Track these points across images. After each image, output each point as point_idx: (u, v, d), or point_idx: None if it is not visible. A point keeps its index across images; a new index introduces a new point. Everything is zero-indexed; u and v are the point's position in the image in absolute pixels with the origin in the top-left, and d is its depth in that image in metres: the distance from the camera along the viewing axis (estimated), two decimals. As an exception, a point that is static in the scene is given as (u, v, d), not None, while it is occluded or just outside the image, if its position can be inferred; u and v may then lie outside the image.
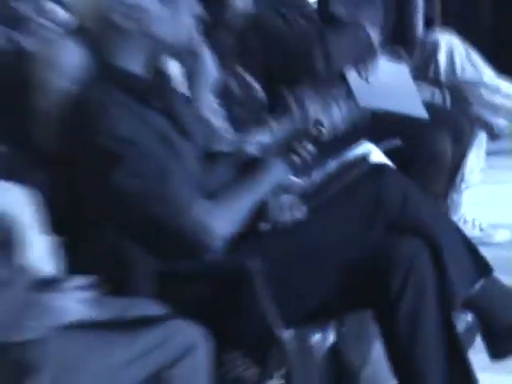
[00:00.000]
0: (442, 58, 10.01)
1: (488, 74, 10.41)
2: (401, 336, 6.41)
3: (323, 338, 6.99)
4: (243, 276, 6.23)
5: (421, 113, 9.18)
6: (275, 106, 8.46)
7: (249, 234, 6.46)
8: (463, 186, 9.39)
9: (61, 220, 6.46)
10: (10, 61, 7.98)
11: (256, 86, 8.36)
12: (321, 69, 8.67)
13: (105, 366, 5.45)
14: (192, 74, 7.78)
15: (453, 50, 10.19)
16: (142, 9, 6.56)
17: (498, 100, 10.19)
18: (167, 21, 6.62)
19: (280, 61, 8.62)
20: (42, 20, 8.35)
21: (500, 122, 10.26)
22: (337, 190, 7.03)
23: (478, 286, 6.96)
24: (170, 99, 6.74)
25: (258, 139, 7.51)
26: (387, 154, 8.15)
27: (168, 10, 6.88)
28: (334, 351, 7.08)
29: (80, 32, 7.48)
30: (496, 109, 10.47)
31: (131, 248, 6.34)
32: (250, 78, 8.30)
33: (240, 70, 8.27)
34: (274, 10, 9.14)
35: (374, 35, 10.00)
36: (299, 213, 6.67)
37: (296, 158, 6.86)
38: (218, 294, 6.26)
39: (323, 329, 6.91)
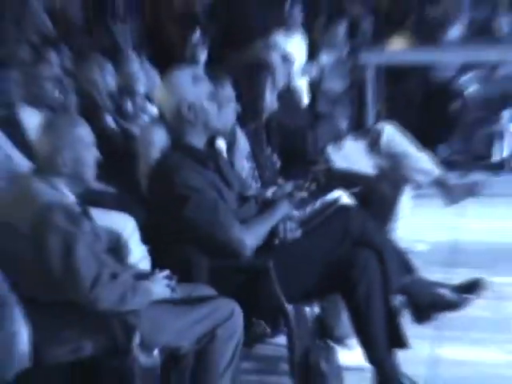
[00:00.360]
0: (384, 139, 11.48)
1: (412, 150, 11.48)
2: (359, 308, 7.87)
3: (311, 310, 8.62)
4: (263, 271, 7.74)
5: (370, 171, 10.45)
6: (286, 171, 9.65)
7: (267, 245, 7.99)
8: (398, 216, 10.47)
9: (150, 237, 8.11)
10: (120, 139, 9.99)
11: (275, 157, 9.65)
12: (310, 150, 10.09)
13: (179, 325, 7.07)
14: (230, 146, 9.07)
15: (391, 132, 11.68)
16: (200, 107, 8.16)
17: (418, 165, 11.63)
18: (216, 114, 8.21)
19: (287, 144, 9.78)
20: (139, 113, 10.57)
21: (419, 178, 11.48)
22: (320, 219, 8.55)
23: (407, 279, 8.41)
24: (219, 163, 8.37)
25: (272, 189, 8.97)
26: (352, 196, 9.23)
27: (215, 106, 8.66)
28: (318, 318, 8.62)
29: (162, 120, 9.08)
30: (425, 173, 11.91)
31: (194, 253, 7.76)
32: (270, 153, 9.62)
33: (265, 146, 9.60)
34: (285, 110, 10.26)
35: (344, 125, 11.98)
36: (297, 233, 8.14)
37: (295, 200, 8.53)
38: (247, 281, 7.88)
39: (311, 304, 8.57)
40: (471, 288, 8.74)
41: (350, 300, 8.00)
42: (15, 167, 8.44)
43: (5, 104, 11.58)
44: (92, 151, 7.16)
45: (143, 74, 10.95)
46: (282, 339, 8.17)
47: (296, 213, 8.40)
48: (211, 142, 8.41)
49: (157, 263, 7.86)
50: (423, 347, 8.85)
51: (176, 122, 8.18)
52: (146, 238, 8.13)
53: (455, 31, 15.15)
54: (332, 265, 8.02)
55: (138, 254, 7.99)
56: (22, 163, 8.38)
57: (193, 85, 8.25)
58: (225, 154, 8.93)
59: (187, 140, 8.13)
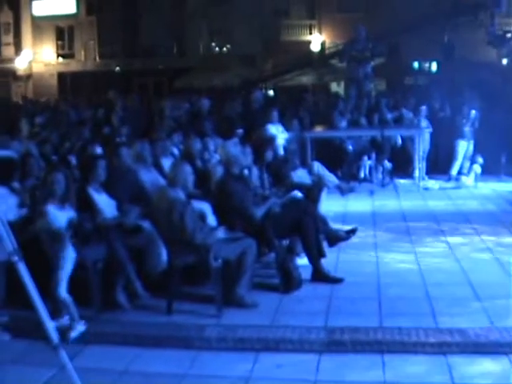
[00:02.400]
0: (315, 168, 11.59)
1: (326, 172, 12.07)
2: (306, 239, 8.12)
3: (285, 241, 8.47)
4: (264, 225, 8.08)
5: (308, 182, 10.42)
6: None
7: (266, 215, 8.17)
8: (321, 202, 9.81)
9: (217, 212, 8.16)
10: (202, 170, 9.68)
11: (270, 179, 9.36)
12: (285, 174, 10.05)
13: (230, 248, 7.32)
14: (249, 173, 9.03)
15: (318, 165, 11.84)
16: (238, 157, 8.48)
17: (329, 179, 11.80)
18: (243, 160, 8.59)
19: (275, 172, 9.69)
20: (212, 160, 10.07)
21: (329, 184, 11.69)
22: (288, 203, 8.58)
23: (325, 227, 8.76)
24: (245, 180, 8.63)
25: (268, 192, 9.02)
26: (301, 193, 9.15)
27: (243, 156, 8.88)
28: (289, 245, 8.48)
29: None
30: (332, 183, 12.35)
31: (234, 219, 8.04)
32: (267, 176, 9.35)
33: (265, 173, 9.32)
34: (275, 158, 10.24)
35: (297, 162, 11.95)
36: (278, 209, 8.33)
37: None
38: (257, 230, 7.98)
39: (286, 239, 8.47)
40: (352, 231, 9.39)
41: (302, 235, 8.23)
42: (160, 183, 8.63)
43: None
44: (191, 175, 7.77)
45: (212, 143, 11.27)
46: (272, 256, 8.28)
47: (277, 201, 8.60)
48: (241, 170, 8.62)
49: (220, 223, 8.00)
50: (332, 256, 8.79)
51: (228, 163, 8.60)
52: (215, 213, 8.17)
53: (343, 122, 15.39)
54: (294, 221, 8.24)
55: (212, 220, 7.99)
56: (162, 181, 8.62)
57: (235, 148, 8.91)
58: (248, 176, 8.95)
59: (232, 171, 8.46)
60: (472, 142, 14.95)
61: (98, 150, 9.69)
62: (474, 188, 14.40)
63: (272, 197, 8.59)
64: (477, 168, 14.51)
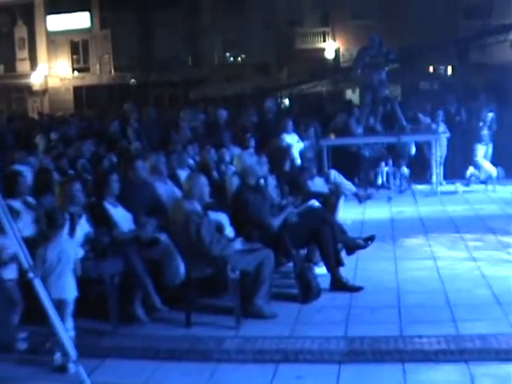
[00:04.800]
0: (332, 176, 11.43)
1: (343, 180, 11.89)
2: (323, 248, 8.12)
3: (303, 252, 8.54)
4: (281, 235, 8.02)
5: (325, 191, 10.46)
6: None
7: (283, 224, 8.14)
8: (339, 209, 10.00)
9: (234, 223, 8.10)
10: (218, 182, 9.78)
11: (287, 189, 9.45)
12: (302, 183, 10.09)
13: (247, 260, 7.31)
14: (265, 182, 9.00)
15: (335, 173, 11.70)
16: (254, 168, 8.50)
17: (346, 187, 11.82)
18: (259, 170, 8.56)
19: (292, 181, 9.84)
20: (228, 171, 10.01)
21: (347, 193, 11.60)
22: (305, 212, 8.60)
23: (343, 235, 8.69)
24: (261, 190, 8.59)
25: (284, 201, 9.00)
26: (319, 202, 9.30)
27: (259, 166, 8.84)
28: (307, 254, 8.57)
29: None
30: (349, 190, 12.34)
31: (251, 230, 8.00)
32: (282, 185, 9.38)
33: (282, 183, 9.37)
34: (292, 167, 10.58)
35: (314, 171, 11.85)
36: (295, 219, 8.30)
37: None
38: (275, 240, 7.94)
39: (303, 248, 8.52)
40: (370, 239, 9.30)
41: (320, 244, 8.21)
42: (176, 195, 8.58)
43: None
44: (207, 187, 7.75)
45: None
46: (290, 265, 8.24)
47: (294, 210, 8.57)
48: (257, 181, 8.60)
49: (237, 234, 7.99)
50: (350, 264, 8.77)
51: (244, 175, 8.61)
52: (232, 224, 8.12)
53: (359, 129, 15.33)
54: (311, 230, 8.22)
55: (229, 231, 7.94)
56: (178, 192, 8.58)
57: (250, 159, 8.89)
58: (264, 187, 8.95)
59: (248, 181, 8.47)
60: (491, 146, 14.83)
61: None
62: (492, 192, 14.31)
63: (289, 206, 8.58)
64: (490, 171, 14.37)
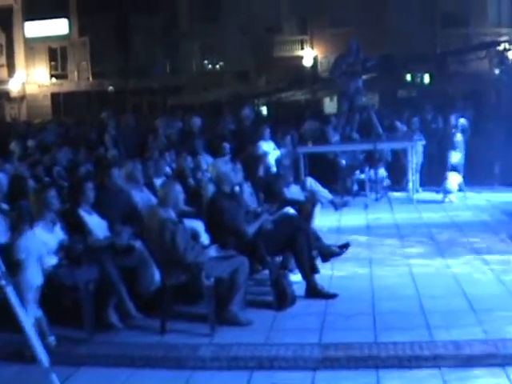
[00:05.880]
0: (308, 184, 11.62)
1: (319, 187, 12.18)
2: (298, 255, 8.10)
3: (278, 260, 8.43)
4: (256, 242, 8.02)
5: (302, 198, 10.59)
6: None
7: (258, 232, 8.13)
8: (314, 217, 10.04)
9: (209, 230, 8.13)
10: (194, 189, 9.75)
11: (262, 196, 9.54)
12: (277, 190, 10.26)
13: (223, 267, 7.24)
14: (240, 190, 9.07)
15: (311, 181, 12.08)
16: (228, 174, 8.52)
17: (322, 194, 12.06)
18: (234, 177, 8.52)
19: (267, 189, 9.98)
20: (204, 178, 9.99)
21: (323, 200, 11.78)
22: (280, 219, 8.66)
23: (318, 243, 8.82)
24: (236, 197, 8.61)
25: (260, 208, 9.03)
26: (294, 209, 9.40)
27: (234, 173, 8.76)
28: (282, 261, 8.49)
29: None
30: (325, 198, 12.43)
31: (226, 237, 7.98)
32: (257, 192, 9.49)
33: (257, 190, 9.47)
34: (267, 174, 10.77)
35: (290, 178, 11.87)
36: (270, 226, 8.34)
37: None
38: (249, 247, 7.93)
39: (279, 255, 8.42)
40: (345, 246, 9.35)
41: (295, 252, 8.20)
42: (152, 203, 8.49)
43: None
44: (181, 194, 7.71)
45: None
46: (265, 273, 8.29)
47: (269, 217, 8.61)
48: (232, 188, 8.59)
49: (213, 242, 8.02)
50: (326, 271, 8.84)
51: (218, 181, 8.64)
52: (207, 231, 8.16)
53: (336, 137, 15.37)
54: (286, 237, 8.22)
55: (205, 238, 7.99)
56: (154, 200, 8.45)
57: (225, 166, 8.89)
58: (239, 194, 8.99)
59: (223, 189, 8.44)
60: (463, 153, 14.87)
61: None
62: (465, 198, 14.45)
63: (264, 213, 8.57)
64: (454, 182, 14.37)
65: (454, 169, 14.50)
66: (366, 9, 34.76)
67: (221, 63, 41.25)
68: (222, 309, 7.21)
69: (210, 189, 8.73)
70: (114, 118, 15.21)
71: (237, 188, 8.73)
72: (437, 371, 5.98)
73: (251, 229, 8.10)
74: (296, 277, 8.25)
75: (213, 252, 7.62)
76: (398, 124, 16.03)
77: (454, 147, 14.50)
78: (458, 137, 14.49)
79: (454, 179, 14.27)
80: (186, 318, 7.47)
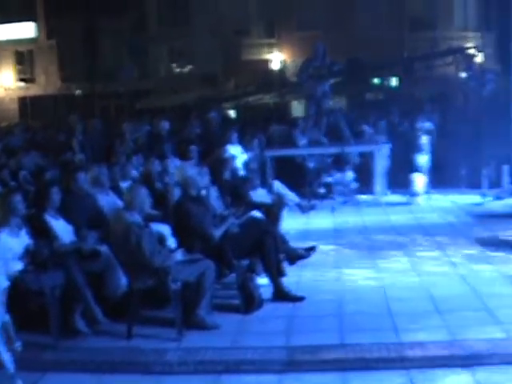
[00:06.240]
0: (275, 187, 11.86)
1: (286, 191, 12.38)
2: (266, 259, 8.12)
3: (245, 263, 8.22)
4: (222, 246, 8.03)
5: (268, 201, 10.58)
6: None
7: (224, 235, 8.12)
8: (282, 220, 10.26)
9: (176, 234, 8.10)
10: (161, 192, 9.69)
11: (229, 199, 9.61)
12: (244, 193, 10.36)
13: (189, 270, 7.23)
14: (207, 193, 9.01)
15: (278, 184, 12.14)
16: (195, 179, 8.53)
17: (289, 198, 12.14)
18: (200, 180, 8.54)
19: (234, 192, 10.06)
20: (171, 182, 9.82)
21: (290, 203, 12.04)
22: (247, 222, 8.63)
23: (285, 246, 8.97)
24: (203, 201, 8.56)
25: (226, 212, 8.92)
26: (261, 213, 9.39)
27: (200, 177, 9.17)
28: (249, 264, 8.23)
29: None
30: (292, 201, 12.51)
31: (193, 241, 7.99)
32: (224, 196, 9.52)
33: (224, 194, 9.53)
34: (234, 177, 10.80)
35: (258, 181, 11.85)
36: (236, 230, 8.35)
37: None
38: (216, 251, 7.94)
39: (245, 259, 8.22)
40: (312, 249, 9.37)
41: (262, 255, 8.22)
42: (118, 205, 8.45)
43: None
44: (148, 198, 7.70)
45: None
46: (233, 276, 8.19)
47: (235, 221, 8.59)
48: (198, 191, 8.56)
49: (179, 245, 7.99)
50: (293, 274, 8.85)
51: (185, 185, 8.64)
52: (174, 235, 8.14)
53: (303, 141, 15.41)
54: (253, 241, 8.26)
55: (171, 242, 7.95)
56: (120, 204, 8.36)
57: (191, 170, 8.88)
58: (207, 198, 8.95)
59: (190, 192, 8.43)
60: (429, 156, 14.94)
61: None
62: (431, 200, 14.55)
63: (230, 217, 8.55)
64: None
65: (420, 171, 14.57)
66: (334, 12, 34.88)
67: (189, 66, 41.14)
68: (189, 313, 7.19)
69: (177, 192, 8.69)
70: (82, 121, 15.08)
71: (203, 192, 8.70)
72: (404, 372, 6.01)
73: (218, 232, 8.09)
74: (263, 280, 8.26)
75: (179, 256, 7.56)
76: (366, 127, 16.05)
77: (420, 150, 14.53)
78: (424, 139, 14.48)
79: (420, 181, 14.33)
80: (153, 322, 7.44)
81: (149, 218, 7.72)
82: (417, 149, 14.65)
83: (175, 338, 7.01)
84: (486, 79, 16.21)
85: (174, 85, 37.93)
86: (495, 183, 14.56)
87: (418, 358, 6.21)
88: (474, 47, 19.63)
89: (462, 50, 19.05)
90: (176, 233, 8.07)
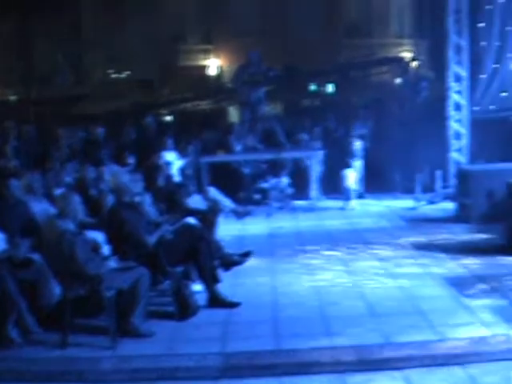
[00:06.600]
0: (211, 194, 11.87)
1: (221, 197, 12.40)
2: (201, 266, 8.11)
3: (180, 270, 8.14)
4: (156, 252, 7.97)
5: (204, 208, 10.57)
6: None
7: (158, 241, 8.09)
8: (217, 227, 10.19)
9: (111, 241, 7.96)
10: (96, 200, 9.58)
11: (164, 206, 9.58)
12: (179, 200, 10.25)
13: (123, 278, 7.21)
14: (142, 199, 8.76)
15: (213, 190, 12.21)
16: (128, 186, 8.48)
17: (227, 204, 12.16)
18: (134, 188, 8.46)
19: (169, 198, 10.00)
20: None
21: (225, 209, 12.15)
22: (181, 229, 8.57)
23: (219, 252, 8.94)
24: (137, 208, 8.46)
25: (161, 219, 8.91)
26: (195, 219, 9.29)
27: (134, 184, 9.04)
28: (184, 271, 8.14)
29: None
30: (227, 207, 12.55)
31: (127, 248, 7.93)
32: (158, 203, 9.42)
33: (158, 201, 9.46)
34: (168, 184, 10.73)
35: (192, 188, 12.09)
36: (170, 236, 8.33)
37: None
38: (150, 258, 7.88)
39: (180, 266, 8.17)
40: (246, 255, 9.40)
41: (197, 262, 8.21)
42: (50, 213, 8.26)
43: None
44: (81, 205, 7.64)
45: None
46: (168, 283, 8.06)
47: (170, 227, 8.57)
48: (132, 198, 8.46)
49: (114, 253, 7.91)
50: (228, 280, 8.81)
51: (118, 192, 8.58)
52: (108, 242, 8.04)
53: (239, 147, 15.43)
54: (188, 248, 8.24)
55: (106, 250, 7.85)
56: (53, 211, 8.13)
57: (125, 177, 8.83)
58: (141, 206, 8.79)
59: (122, 199, 8.38)
60: (363, 161, 15.06)
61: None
62: (365, 205, 14.66)
63: (164, 224, 8.52)
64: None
65: (354, 177, 14.69)
66: (270, 19, 34.99)
67: (126, 72, 40.86)
68: (123, 321, 7.14)
69: (110, 199, 8.59)
70: (16, 127, 14.89)
71: (137, 198, 8.58)
72: (338, 376, 6.07)
73: (152, 239, 8.05)
74: (198, 286, 8.26)
75: (113, 263, 7.54)
76: (301, 133, 16.11)
77: (353, 155, 14.67)
78: (357, 145, 14.62)
79: (351, 177, 14.55)
80: (87, 331, 7.35)
81: (83, 226, 7.60)
82: (350, 154, 14.64)
83: (109, 346, 6.95)
84: (420, 87, 16.45)
85: (111, 90, 37.62)
86: (429, 188, 14.67)
87: (352, 361, 6.27)
88: (410, 56, 19.92)
89: (398, 59, 19.33)
90: (110, 240, 7.98)
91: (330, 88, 33.71)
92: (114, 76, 41.02)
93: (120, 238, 7.95)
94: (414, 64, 22.97)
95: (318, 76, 28.39)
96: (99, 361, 6.63)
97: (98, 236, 8.04)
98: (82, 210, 7.38)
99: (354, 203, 14.47)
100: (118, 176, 8.63)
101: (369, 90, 26.50)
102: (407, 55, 20.09)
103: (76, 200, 7.32)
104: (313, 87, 33.21)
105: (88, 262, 7.01)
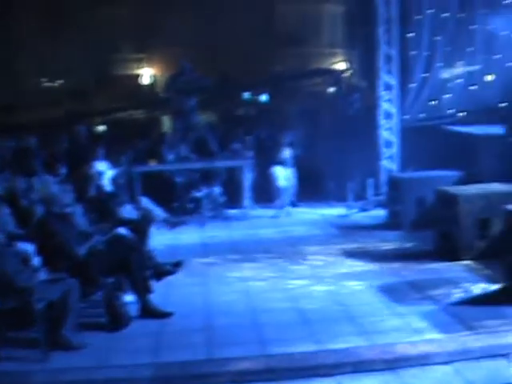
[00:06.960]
0: (143, 203, 11.78)
1: (151, 206, 12.49)
2: (134, 277, 8.01)
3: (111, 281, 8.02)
4: (87, 263, 7.90)
5: (136, 217, 10.44)
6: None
7: (90, 252, 8.01)
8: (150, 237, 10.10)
9: (41, 252, 7.86)
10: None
11: (95, 216, 9.26)
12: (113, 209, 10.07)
13: (53, 289, 7.10)
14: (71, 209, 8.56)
15: (146, 200, 12.11)
16: (57, 196, 8.51)
17: (158, 213, 12.13)
18: (64, 199, 8.40)
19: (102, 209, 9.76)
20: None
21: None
22: (111, 240, 8.50)
23: (151, 262, 8.90)
24: (68, 218, 8.35)
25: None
26: (128, 229, 9.25)
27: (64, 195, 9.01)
28: (116, 282, 8.01)
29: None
30: (159, 216, 12.51)
31: (57, 260, 7.86)
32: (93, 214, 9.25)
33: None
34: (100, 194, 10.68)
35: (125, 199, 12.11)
36: (100, 247, 8.24)
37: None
38: (80, 268, 7.81)
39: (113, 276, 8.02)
40: (178, 264, 9.37)
41: (128, 272, 8.15)
42: None
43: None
44: (9, 217, 7.53)
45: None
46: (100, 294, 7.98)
47: (101, 238, 8.48)
48: (62, 209, 8.37)
49: (44, 264, 7.82)
50: (160, 290, 8.72)
51: (47, 203, 8.47)
52: (39, 253, 7.93)
53: (171, 156, 15.33)
54: (119, 258, 8.17)
55: (36, 261, 7.76)
56: None
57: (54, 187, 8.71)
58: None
59: (52, 210, 8.29)
60: (293, 170, 15.06)
61: None
62: (298, 214, 14.68)
63: (96, 234, 8.43)
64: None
65: (284, 185, 14.74)
66: (204, 28, 34.97)
67: (60, 81, 40.39)
68: (54, 333, 7.05)
69: (40, 210, 8.47)
70: None
71: (68, 209, 8.48)
72: (272, 384, 5.99)
73: (82, 250, 7.98)
74: (130, 297, 8.19)
75: (43, 275, 7.46)
76: (234, 142, 16.12)
77: (283, 164, 14.72)
78: (287, 153, 14.68)
79: (281, 173, 14.59)
80: (18, 344, 7.21)
81: (12, 237, 7.47)
82: (280, 163, 14.75)
83: (41, 359, 6.86)
84: (353, 99, 16.61)
85: (43, 99, 37.09)
86: (361, 196, 14.78)
87: (285, 369, 6.33)
88: (343, 67, 20.09)
89: (331, 71, 19.49)
90: (40, 251, 7.87)
91: (263, 97, 33.85)
92: (46, 85, 40.49)
93: (50, 249, 7.86)
94: (347, 74, 23.16)
95: (252, 86, 28.41)
96: (30, 374, 6.54)
97: (28, 247, 7.93)
98: (12, 222, 7.19)
99: (287, 211, 14.41)
100: (48, 186, 8.50)
101: (302, 99, 26.64)
102: (340, 65, 20.25)
103: (4, 212, 7.19)
104: (247, 96, 33.31)
105: (18, 274, 6.88)
